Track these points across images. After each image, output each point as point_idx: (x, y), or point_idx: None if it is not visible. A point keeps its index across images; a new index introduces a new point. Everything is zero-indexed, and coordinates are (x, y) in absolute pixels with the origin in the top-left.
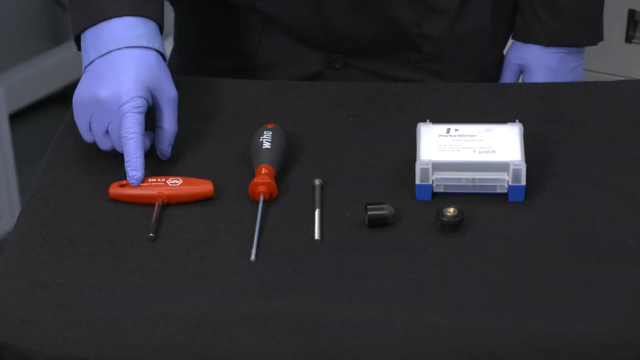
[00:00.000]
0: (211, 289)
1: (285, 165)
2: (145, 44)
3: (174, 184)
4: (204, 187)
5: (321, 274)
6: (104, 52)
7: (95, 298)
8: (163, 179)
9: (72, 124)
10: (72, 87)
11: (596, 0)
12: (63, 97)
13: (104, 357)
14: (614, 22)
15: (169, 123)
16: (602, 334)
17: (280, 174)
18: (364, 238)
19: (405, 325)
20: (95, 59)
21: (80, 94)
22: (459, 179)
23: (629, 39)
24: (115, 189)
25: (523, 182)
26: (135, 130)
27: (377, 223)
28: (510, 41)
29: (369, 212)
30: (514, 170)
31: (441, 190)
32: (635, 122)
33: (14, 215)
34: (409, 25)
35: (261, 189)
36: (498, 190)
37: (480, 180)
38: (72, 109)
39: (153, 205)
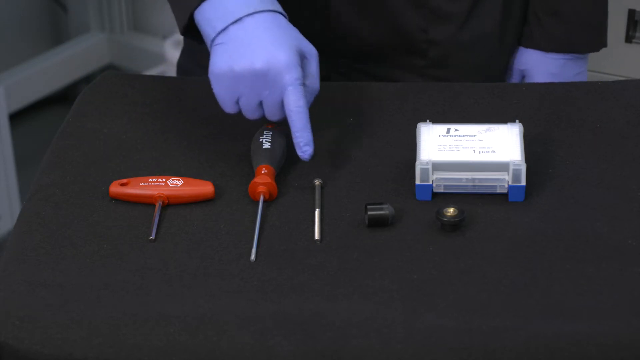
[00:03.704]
0: (211, 289)
1: (285, 165)
2: (270, 8)
3: (175, 185)
4: (204, 188)
5: (321, 274)
6: (232, 20)
7: (95, 298)
8: (164, 179)
9: (72, 124)
10: (72, 87)
11: (600, 7)
12: (63, 97)
13: (104, 357)
14: (614, 22)
15: (313, 81)
16: (602, 334)
17: (280, 174)
18: (364, 238)
19: (405, 325)
20: (224, 29)
21: (223, 67)
22: (459, 179)
23: (629, 39)
24: (115, 188)
25: (523, 182)
26: (302, 103)
27: (377, 223)
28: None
29: (369, 212)
30: (514, 170)
31: (441, 190)
32: (635, 122)
33: (14, 215)
34: (416, 31)
35: (261, 189)
36: (498, 190)
37: (480, 180)
38: (75, 107)
39: (153, 205)
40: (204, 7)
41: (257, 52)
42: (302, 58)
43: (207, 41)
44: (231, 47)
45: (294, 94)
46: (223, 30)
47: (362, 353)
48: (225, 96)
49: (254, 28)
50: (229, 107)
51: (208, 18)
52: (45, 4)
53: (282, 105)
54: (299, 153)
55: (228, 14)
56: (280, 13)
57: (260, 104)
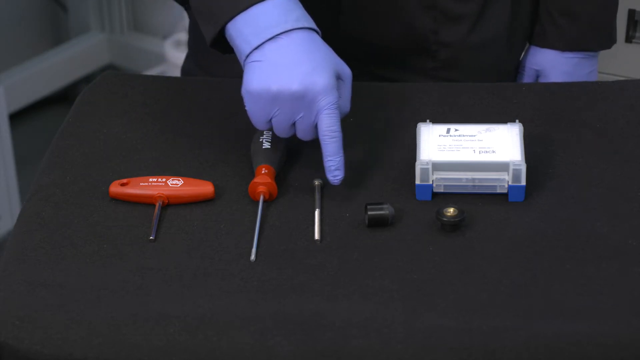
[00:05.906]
0: (211, 289)
1: (285, 165)
2: (306, 25)
3: (175, 185)
4: (204, 188)
5: (321, 274)
6: (269, 36)
7: (95, 298)
8: (164, 179)
9: (72, 124)
10: (72, 87)
11: (611, 5)
12: (63, 97)
13: (104, 357)
14: None
15: (344, 103)
16: (602, 334)
17: (280, 174)
18: (364, 238)
19: (405, 325)
20: (259, 46)
21: (259, 86)
22: (459, 179)
23: (629, 39)
24: (115, 188)
25: (523, 182)
26: (336, 128)
27: (377, 223)
28: (527, 46)
29: (369, 212)
30: (514, 170)
31: (441, 190)
32: (635, 122)
33: (14, 215)
34: (426, 33)
35: (261, 189)
36: (498, 190)
37: (480, 180)
38: (75, 107)
39: (153, 205)
40: (237, 21)
41: (294, 73)
42: (338, 79)
43: (240, 56)
44: (268, 66)
45: (329, 118)
46: (258, 46)
47: (362, 353)
48: (259, 114)
49: (291, 48)
50: (261, 125)
51: (242, 33)
52: (45, 4)
53: (315, 127)
54: (329, 177)
55: (264, 30)
56: (315, 31)
57: (294, 124)
